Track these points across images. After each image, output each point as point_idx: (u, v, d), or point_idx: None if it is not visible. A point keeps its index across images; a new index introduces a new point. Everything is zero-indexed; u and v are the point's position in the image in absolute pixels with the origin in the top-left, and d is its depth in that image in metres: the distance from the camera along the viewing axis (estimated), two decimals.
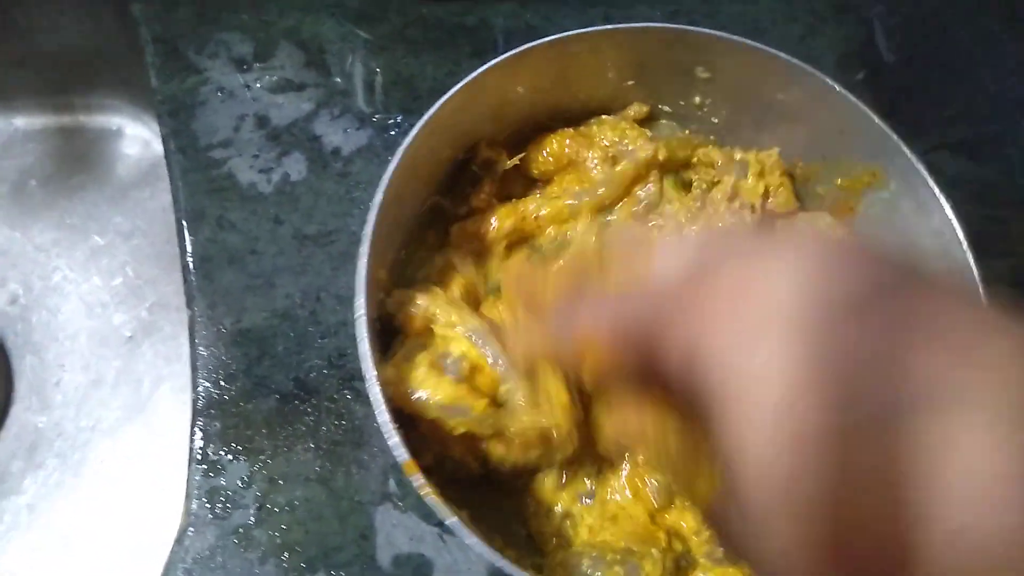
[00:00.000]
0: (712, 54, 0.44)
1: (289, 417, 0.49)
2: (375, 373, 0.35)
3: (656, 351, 0.26)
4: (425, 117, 0.39)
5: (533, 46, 0.41)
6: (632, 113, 0.48)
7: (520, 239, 0.47)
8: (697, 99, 0.48)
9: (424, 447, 0.41)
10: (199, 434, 0.48)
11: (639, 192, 0.46)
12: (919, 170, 0.43)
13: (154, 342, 0.78)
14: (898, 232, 0.46)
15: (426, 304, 0.41)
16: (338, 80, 0.56)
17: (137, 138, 0.82)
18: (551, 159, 0.47)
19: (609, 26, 0.42)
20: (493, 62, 0.40)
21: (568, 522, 0.44)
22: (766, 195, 0.47)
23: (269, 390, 0.49)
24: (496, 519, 0.42)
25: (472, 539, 0.34)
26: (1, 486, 0.74)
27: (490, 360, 0.40)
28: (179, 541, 0.46)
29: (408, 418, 0.39)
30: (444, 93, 0.41)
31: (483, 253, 0.47)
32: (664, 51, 0.44)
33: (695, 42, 0.44)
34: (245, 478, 0.48)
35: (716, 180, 0.47)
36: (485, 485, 0.43)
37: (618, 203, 0.46)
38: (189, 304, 0.50)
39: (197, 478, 0.48)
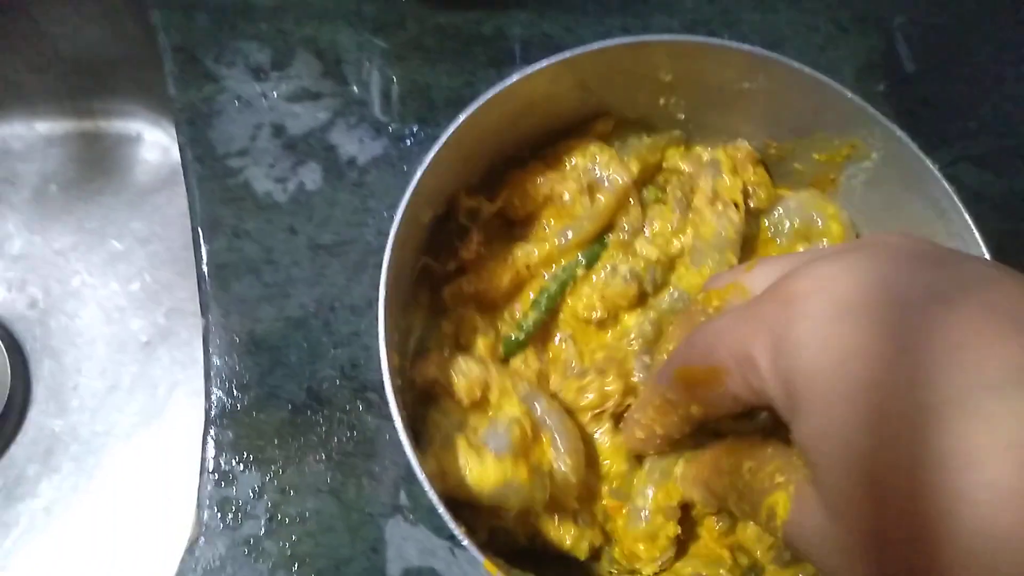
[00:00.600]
0: (673, 57, 0.44)
1: (301, 428, 0.49)
2: (430, 485, 0.34)
3: (750, 362, 0.27)
4: (408, 192, 0.38)
5: (503, 90, 0.40)
6: (599, 129, 0.48)
7: (518, 287, 0.47)
8: (662, 100, 0.47)
9: (478, 522, 0.41)
10: (211, 443, 0.48)
11: (623, 223, 0.46)
12: (901, 137, 0.42)
13: (170, 347, 0.79)
14: (886, 199, 0.45)
15: (480, 372, 0.41)
16: (355, 89, 0.56)
17: (156, 144, 0.82)
18: (528, 200, 0.46)
19: (567, 54, 0.41)
20: (463, 117, 0.40)
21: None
22: (746, 191, 0.46)
23: (281, 400, 0.49)
24: None
25: None
26: (17, 489, 0.75)
27: (548, 427, 0.41)
28: (190, 551, 0.46)
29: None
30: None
31: (489, 311, 0.46)
32: (626, 63, 0.44)
33: (656, 50, 0.43)
34: (256, 488, 0.47)
35: (692, 188, 0.46)
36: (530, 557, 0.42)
37: (604, 233, 0.46)
38: (204, 312, 0.50)
39: (208, 488, 0.47)
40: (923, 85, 0.63)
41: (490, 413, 0.41)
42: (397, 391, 0.37)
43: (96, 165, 0.85)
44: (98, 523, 0.73)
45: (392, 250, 0.36)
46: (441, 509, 0.33)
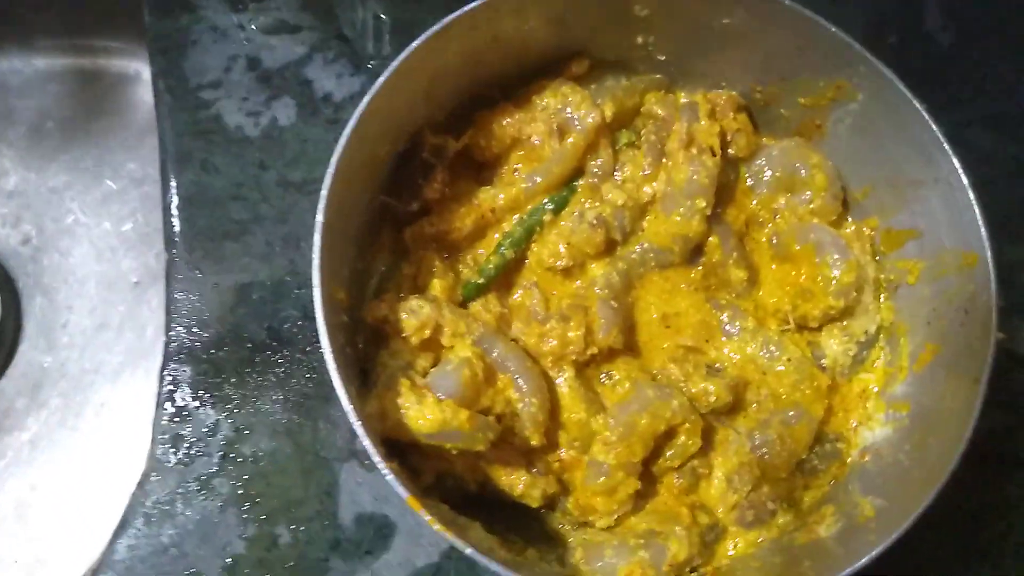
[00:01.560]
0: None
1: (260, 367, 0.48)
2: (355, 416, 0.34)
3: None
4: (354, 117, 0.36)
5: (458, 16, 0.38)
6: (573, 70, 0.45)
7: (481, 230, 0.45)
8: (639, 39, 0.44)
9: (425, 465, 0.40)
10: (168, 379, 0.47)
11: (593, 166, 0.43)
12: (886, 75, 0.39)
13: (160, 289, 0.78)
14: (873, 144, 0.42)
15: (430, 311, 0.39)
16: (335, 23, 0.54)
17: None
18: (494, 141, 0.44)
19: None
20: (418, 41, 0.38)
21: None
22: (723, 137, 0.43)
23: (242, 338, 0.48)
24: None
25: (495, 565, 0.33)
26: (6, 421, 0.75)
27: (509, 369, 0.39)
28: (140, 485, 0.46)
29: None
30: None
31: (450, 253, 0.45)
32: None
33: None
34: (211, 426, 0.47)
35: (668, 133, 0.43)
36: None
37: (574, 178, 0.44)
38: (168, 247, 0.49)
39: (163, 422, 0.47)
40: (937, 42, 0.59)
41: (444, 356, 0.40)
42: (335, 327, 0.36)
43: (94, 104, 0.84)
44: (82, 459, 0.73)
45: (333, 178, 0.35)
46: (367, 442, 0.32)
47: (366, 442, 0.32)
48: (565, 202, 0.43)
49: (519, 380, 0.39)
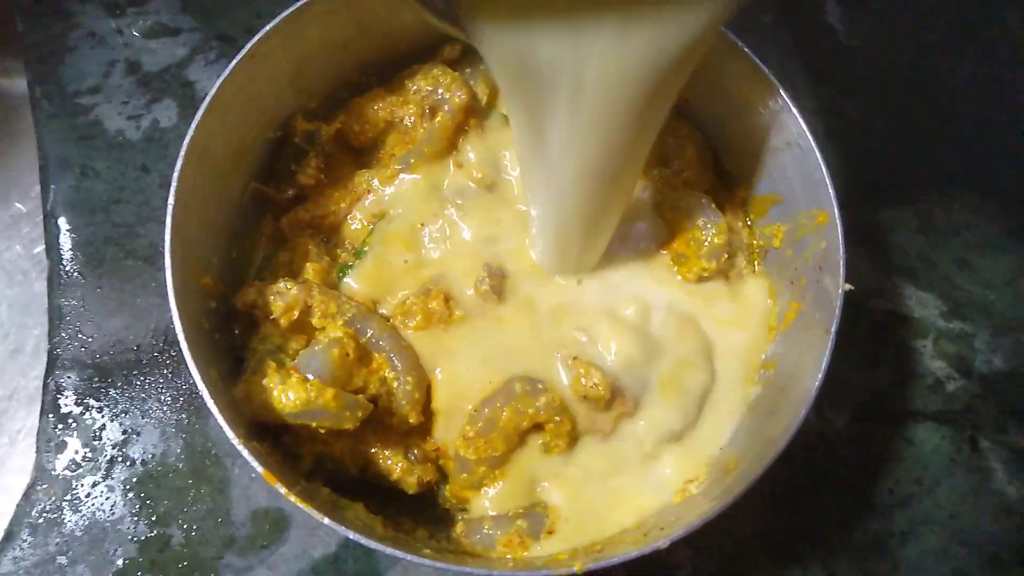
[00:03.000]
0: None
1: (147, 368, 0.47)
2: (212, 402, 0.34)
3: None
4: (205, 103, 0.37)
5: (304, 4, 0.39)
6: (446, 55, 0.46)
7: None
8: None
9: (303, 449, 0.40)
10: (51, 386, 0.46)
11: (467, 147, 0.44)
12: (737, 44, 0.40)
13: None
14: (734, 114, 0.44)
15: (297, 293, 0.39)
16: (215, 24, 0.54)
17: None
18: (368, 126, 0.45)
19: None
20: (269, 25, 0.38)
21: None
22: None
23: (127, 341, 0.48)
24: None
25: (372, 543, 0.33)
26: None
27: (383, 348, 0.39)
28: (26, 496, 0.45)
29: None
30: None
31: (329, 238, 0.45)
32: None
33: None
34: (97, 431, 0.46)
35: None
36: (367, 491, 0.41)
37: (446, 155, 0.44)
38: (49, 254, 0.49)
39: (48, 430, 0.46)
40: (818, 15, 0.61)
41: (315, 337, 0.40)
42: (196, 313, 0.35)
43: None
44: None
45: (184, 164, 0.35)
46: (221, 421, 0.32)
47: (220, 421, 0.32)
48: None
49: (393, 359, 0.39)
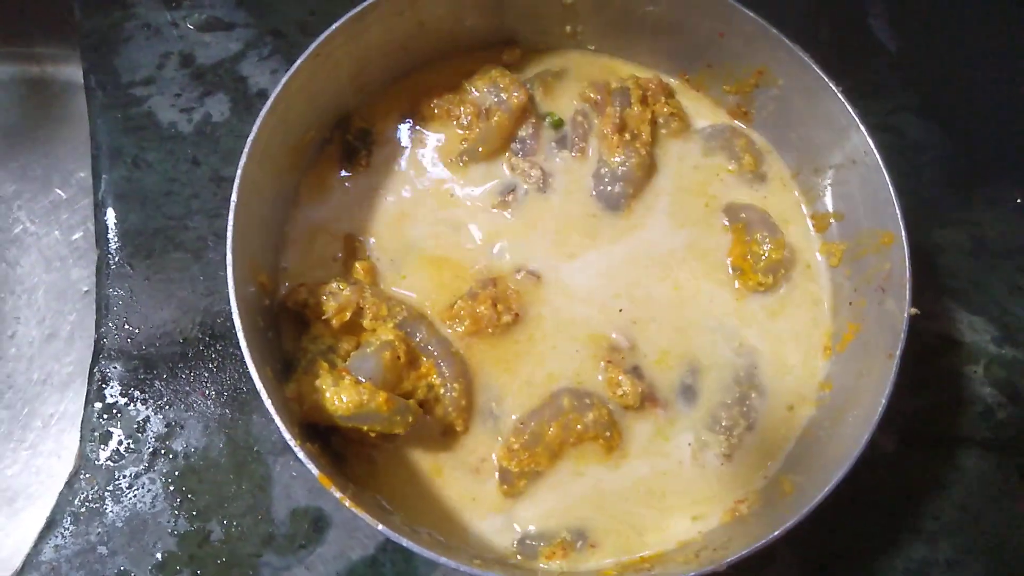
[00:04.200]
0: None
1: (192, 362, 0.47)
2: (266, 394, 0.34)
3: None
4: (269, 102, 0.36)
5: (375, 1, 0.39)
6: (505, 58, 0.46)
7: None
8: (568, 28, 0.45)
9: (348, 449, 0.40)
10: (97, 375, 0.47)
11: (516, 145, 0.44)
12: (803, 59, 0.40)
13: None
14: (796, 129, 0.43)
15: (350, 294, 0.39)
16: (268, 20, 0.54)
17: None
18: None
19: None
20: (333, 27, 0.38)
21: None
22: (654, 122, 0.44)
23: (173, 334, 0.48)
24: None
25: (419, 548, 0.33)
26: None
27: (432, 353, 0.39)
28: (69, 484, 0.45)
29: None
30: None
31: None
32: None
33: None
34: (141, 423, 0.46)
35: (598, 116, 0.44)
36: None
37: (500, 155, 0.44)
38: (99, 243, 0.49)
39: (93, 420, 0.46)
40: (870, 33, 0.60)
41: (365, 339, 0.40)
42: (253, 310, 0.35)
43: (42, 112, 0.83)
44: (29, 471, 0.71)
45: (246, 163, 0.34)
46: (277, 420, 0.32)
47: (278, 421, 0.32)
48: None
49: (442, 365, 0.39)
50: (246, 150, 0.35)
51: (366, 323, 0.39)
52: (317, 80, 0.39)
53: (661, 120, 0.44)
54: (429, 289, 0.43)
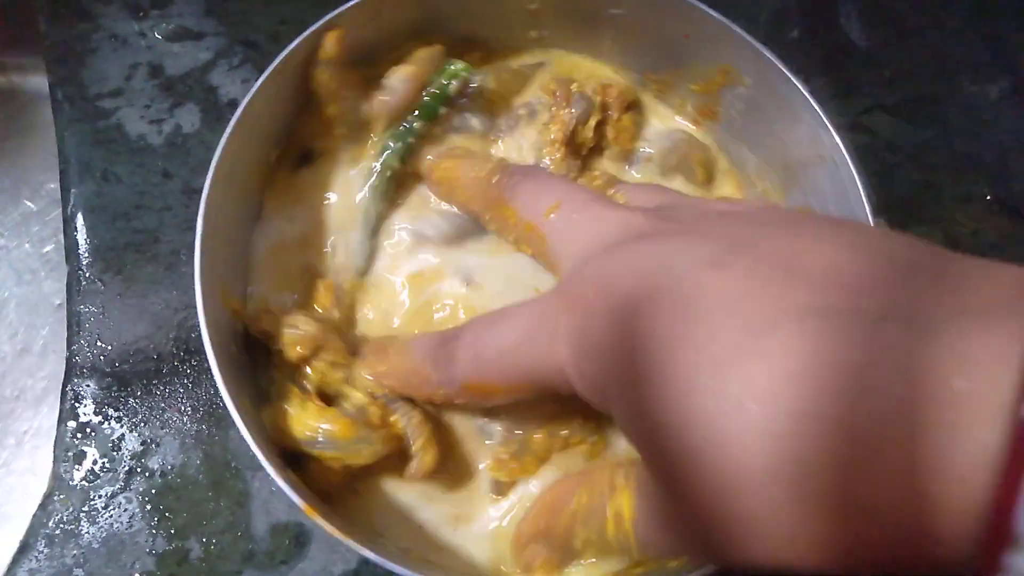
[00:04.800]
0: None
1: (167, 378, 0.46)
2: (246, 431, 0.33)
3: (554, 373, 0.28)
4: (234, 117, 0.36)
5: (338, 14, 0.39)
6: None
7: None
8: (533, 33, 0.45)
9: (328, 477, 0.38)
10: (70, 394, 0.46)
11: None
12: (768, 57, 0.40)
13: None
14: (764, 127, 0.43)
15: (313, 331, 0.37)
16: (238, 29, 0.53)
17: None
18: None
19: None
20: (297, 41, 0.38)
21: None
22: (600, 138, 0.44)
23: (147, 350, 0.47)
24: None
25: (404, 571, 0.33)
26: None
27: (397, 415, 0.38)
28: (42, 507, 0.44)
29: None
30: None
31: None
32: None
33: None
34: (116, 441, 0.45)
35: (547, 114, 0.44)
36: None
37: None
38: (69, 259, 0.48)
39: (66, 439, 0.45)
40: (838, 33, 0.60)
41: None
42: (226, 335, 0.35)
43: (8, 123, 0.82)
44: (3, 491, 0.70)
45: (212, 183, 0.34)
46: (254, 447, 0.31)
47: (256, 451, 0.31)
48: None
49: (410, 435, 0.38)
50: (210, 174, 0.34)
51: (322, 365, 0.38)
52: (283, 95, 0.38)
53: (611, 135, 0.44)
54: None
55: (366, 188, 0.42)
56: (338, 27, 0.38)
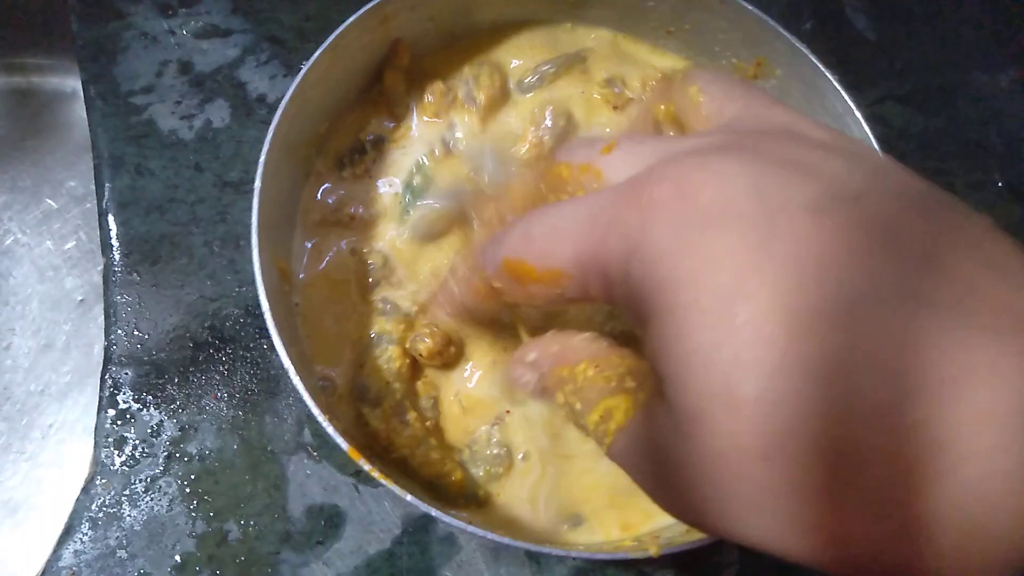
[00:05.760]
0: None
1: (203, 365, 0.48)
2: (298, 379, 0.34)
3: (599, 270, 0.24)
4: (279, 112, 0.37)
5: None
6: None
7: None
8: (569, 25, 0.47)
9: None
10: (109, 382, 0.47)
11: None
12: (801, 50, 0.41)
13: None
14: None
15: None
16: (265, 26, 0.54)
17: None
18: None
19: None
20: (344, 25, 0.39)
21: None
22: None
23: (183, 338, 0.48)
24: None
25: (447, 518, 0.33)
26: None
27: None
28: (85, 490, 0.45)
29: None
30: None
31: None
32: None
33: None
34: (155, 427, 0.46)
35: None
36: None
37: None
38: (104, 252, 0.49)
39: (106, 426, 0.47)
40: (851, 24, 0.62)
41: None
42: (277, 294, 0.36)
43: (29, 122, 0.83)
44: (33, 482, 0.71)
45: (264, 170, 0.35)
46: (309, 400, 0.33)
47: (306, 398, 0.33)
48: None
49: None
50: (267, 140, 0.36)
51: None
52: (336, 69, 0.40)
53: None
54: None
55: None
56: (399, 37, 0.40)
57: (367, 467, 0.32)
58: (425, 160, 0.44)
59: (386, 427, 0.39)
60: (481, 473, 0.40)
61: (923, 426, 0.17)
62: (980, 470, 0.16)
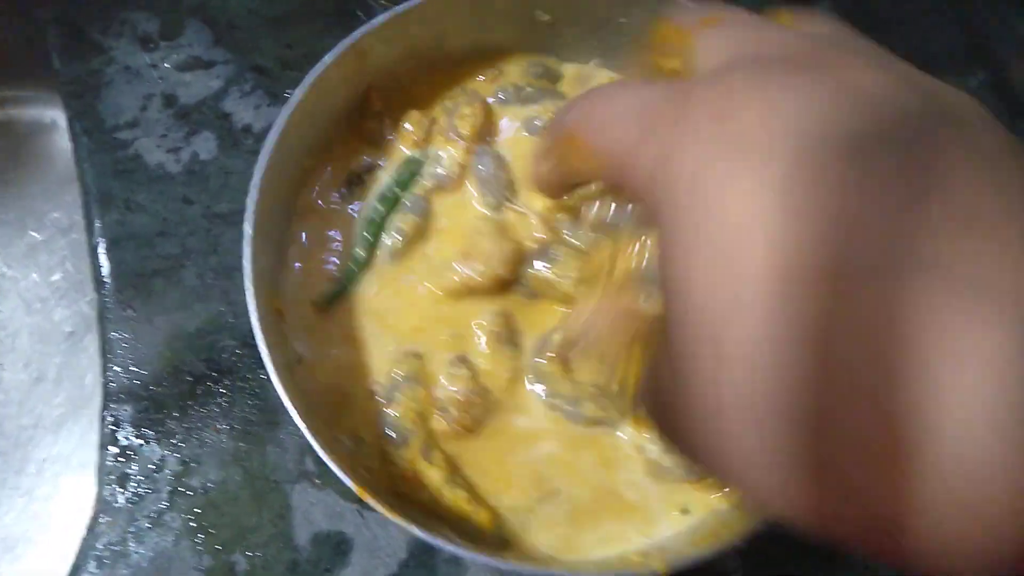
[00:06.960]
0: None
1: (202, 399, 0.48)
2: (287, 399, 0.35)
3: (634, 155, 0.23)
4: (274, 131, 0.38)
5: (363, 34, 0.41)
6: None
7: None
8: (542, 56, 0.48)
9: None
10: (109, 419, 0.47)
11: None
12: None
13: (96, 336, 0.77)
14: None
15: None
16: (248, 56, 0.55)
17: None
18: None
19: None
20: (330, 56, 0.40)
21: None
22: None
23: (181, 372, 0.48)
24: None
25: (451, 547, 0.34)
26: None
27: None
28: (90, 529, 0.45)
29: None
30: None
31: None
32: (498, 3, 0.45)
33: None
34: (157, 462, 0.47)
35: None
36: None
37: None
38: (97, 288, 0.49)
39: (108, 463, 0.47)
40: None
41: None
42: (271, 332, 0.36)
43: (10, 155, 0.83)
44: (29, 517, 0.71)
45: (258, 203, 0.36)
46: (310, 438, 0.33)
47: (308, 436, 0.33)
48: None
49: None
50: (256, 181, 0.36)
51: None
52: (312, 116, 0.40)
53: None
54: None
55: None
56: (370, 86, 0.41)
57: (372, 502, 0.33)
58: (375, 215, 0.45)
59: (412, 468, 0.39)
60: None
61: (912, 407, 0.16)
62: (969, 451, 0.16)
